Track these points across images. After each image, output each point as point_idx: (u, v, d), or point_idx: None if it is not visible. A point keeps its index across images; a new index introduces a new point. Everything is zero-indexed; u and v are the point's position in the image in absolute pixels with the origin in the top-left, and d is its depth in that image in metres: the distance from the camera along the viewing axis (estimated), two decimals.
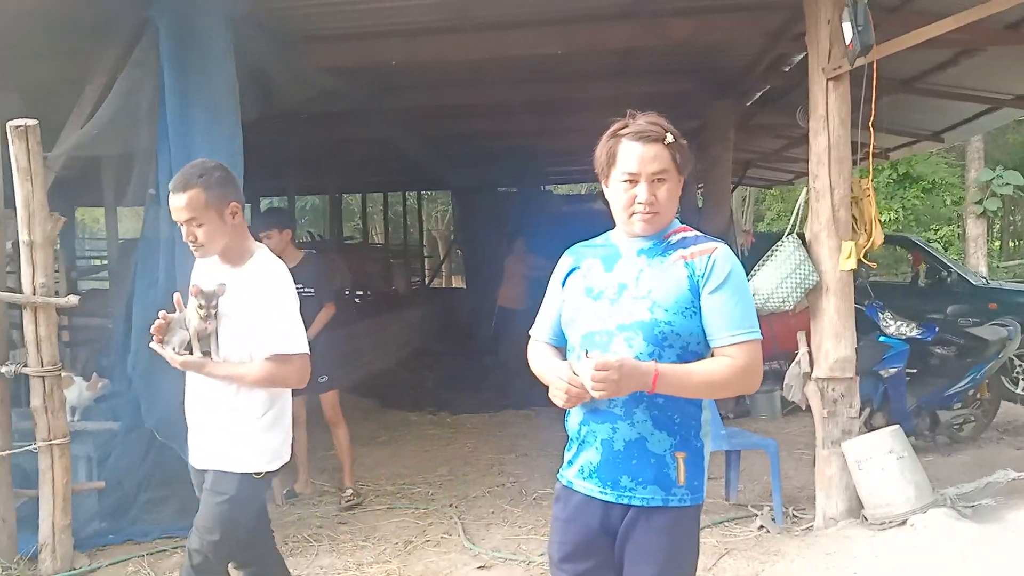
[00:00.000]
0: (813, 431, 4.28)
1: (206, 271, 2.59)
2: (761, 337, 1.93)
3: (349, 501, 4.74)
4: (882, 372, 5.41)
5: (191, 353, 2.50)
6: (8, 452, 3.76)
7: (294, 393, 4.91)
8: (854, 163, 4.20)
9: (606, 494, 1.94)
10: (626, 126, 1.95)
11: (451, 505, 4.77)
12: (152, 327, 2.50)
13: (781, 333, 5.63)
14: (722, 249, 1.95)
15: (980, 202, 14.28)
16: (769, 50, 5.84)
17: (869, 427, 5.06)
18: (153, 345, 2.53)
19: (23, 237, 3.69)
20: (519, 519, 4.50)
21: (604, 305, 1.95)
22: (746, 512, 4.42)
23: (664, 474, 1.91)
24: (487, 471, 5.54)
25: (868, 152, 4.07)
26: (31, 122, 3.64)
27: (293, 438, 5.08)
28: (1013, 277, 15.07)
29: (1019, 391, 7.18)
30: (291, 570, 3.75)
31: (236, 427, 2.53)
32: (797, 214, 4.44)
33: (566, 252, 2.13)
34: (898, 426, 4.18)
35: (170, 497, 4.39)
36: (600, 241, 2.09)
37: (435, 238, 23.38)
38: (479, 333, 10.61)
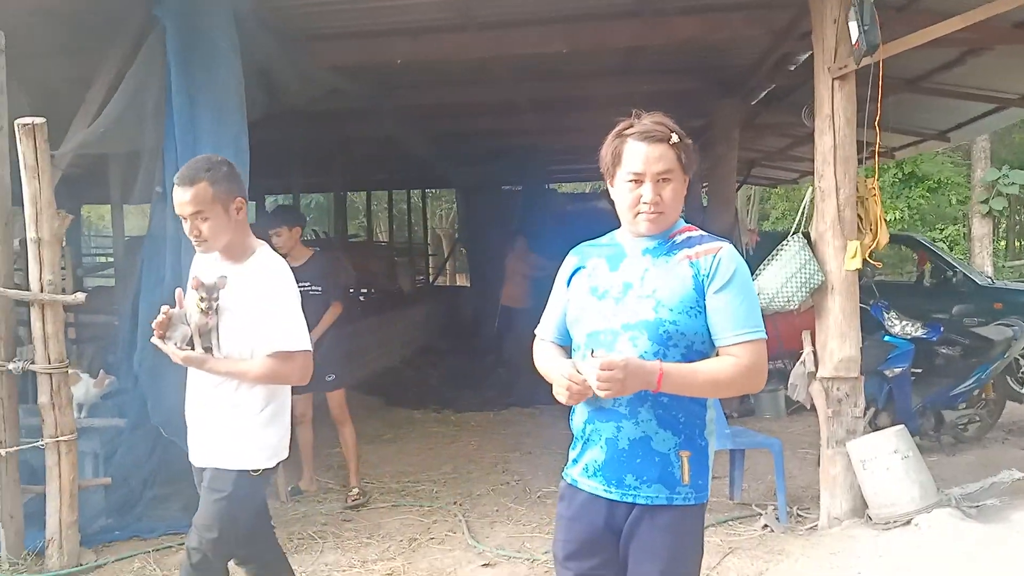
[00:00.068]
0: (817, 430, 4.28)
1: (206, 267, 2.58)
2: (766, 336, 1.93)
3: (355, 500, 4.75)
4: (887, 372, 5.40)
5: (192, 349, 2.49)
6: (16, 448, 3.78)
7: (300, 391, 4.96)
8: (859, 162, 4.20)
9: (611, 492, 1.94)
10: (631, 126, 1.95)
11: (455, 503, 4.78)
12: (154, 323, 2.49)
13: (786, 332, 5.63)
14: (727, 248, 1.96)
15: (986, 201, 14.24)
16: (775, 49, 5.83)
17: (874, 427, 5.06)
18: (154, 340, 2.52)
19: (30, 234, 3.71)
20: (523, 517, 4.51)
21: (609, 304, 1.95)
22: (750, 511, 4.42)
23: (668, 473, 1.91)
24: (491, 469, 5.54)
25: (874, 151, 4.07)
26: (39, 120, 3.65)
27: (297, 435, 5.14)
28: (1019, 277, 15.03)
29: None
30: (296, 567, 3.77)
31: (236, 423, 2.52)
32: (802, 213, 4.44)
33: (571, 251, 2.13)
34: (903, 426, 4.18)
35: (176, 494, 4.40)
36: (605, 240, 2.10)
37: (439, 236, 23.40)
38: (483, 331, 10.62)
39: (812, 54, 4.28)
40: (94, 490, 4.15)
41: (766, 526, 4.17)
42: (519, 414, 7.21)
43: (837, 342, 4.11)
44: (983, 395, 5.80)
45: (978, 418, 5.81)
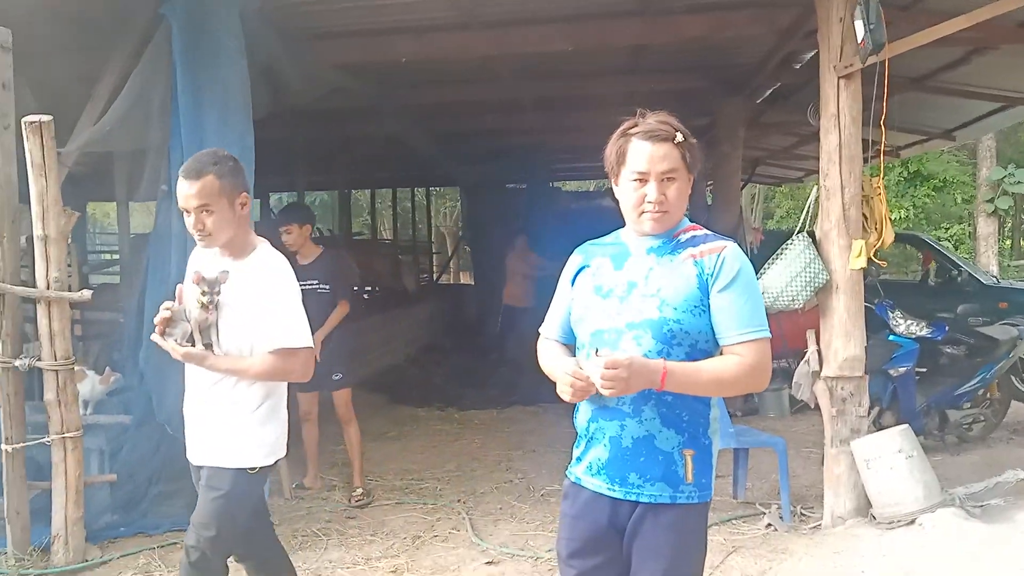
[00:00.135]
0: (822, 430, 4.27)
1: (206, 262, 2.56)
2: (770, 335, 1.93)
3: (359, 501, 4.75)
4: (891, 371, 5.40)
5: (193, 345, 2.47)
6: (22, 445, 3.79)
7: (306, 389, 4.98)
8: (865, 161, 4.19)
9: (614, 491, 1.95)
10: (636, 125, 1.96)
11: (459, 501, 4.79)
12: (156, 319, 2.47)
13: (790, 331, 5.62)
14: (731, 248, 1.96)
15: (991, 200, 14.20)
16: (780, 47, 5.82)
17: (878, 426, 5.06)
18: (154, 337, 2.49)
19: (37, 232, 3.72)
20: (527, 515, 4.51)
21: (613, 303, 1.96)
22: (754, 510, 4.43)
23: (672, 471, 1.92)
24: (495, 467, 5.55)
25: (879, 150, 4.06)
26: (45, 118, 3.67)
27: (302, 433, 5.15)
28: None
29: None
30: (300, 564, 3.79)
31: (234, 420, 2.51)
32: (807, 212, 4.44)
33: (576, 250, 2.14)
34: (907, 425, 4.17)
35: (181, 490, 4.41)
36: (610, 239, 2.10)
37: (443, 234, 23.41)
38: (487, 329, 10.63)
39: (817, 53, 4.28)
40: (99, 486, 4.17)
41: (769, 525, 4.17)
42: (523, 412, 7.22)
43: (842, 341, 4.11)
44: (988, 395, 5.79)
45: (983, 418, 5.80)
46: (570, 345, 2.11)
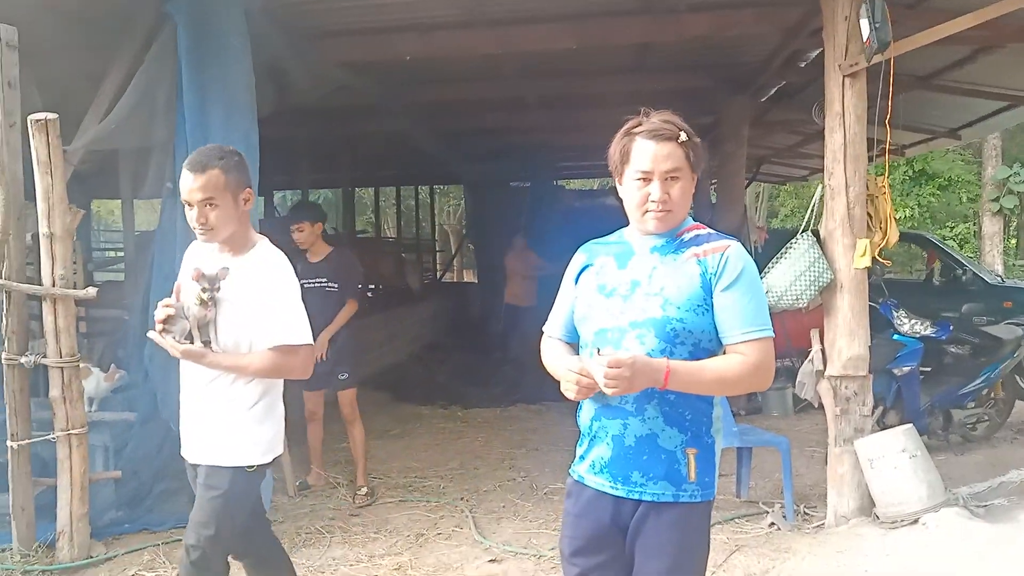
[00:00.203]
0: (825, 429, 4.27)
1: (205, 258, 2.54)
2: (773, 334, 1.93)
3: (362, 502, 4.75)
4: (896, 370, 5.39)
5: (191, 343, 2.45)
6: (27, 441, 3.80)
7: (312, 388, 4.98)
8: (870, 160, 4.18)
9: (617, 489, 1.95)
10: (640, 124, 1.96)
11: (462, 499, 4.80)
12: (158, 316, 2.44)
13: (794, 330, 5.62)
14: (735, 247, 1.96)
15: (996, 199, 14.17)
16: (785, 46, 5.81)
17: (882, 425, 5.05)
18: (152, 335, 2.47)
19: (43, 229, 3.73)
20: (530, 513, 4.52)
21: (617, 302, 1.96)
22: (757, 509, 4.42)
23: (675, 470, 1.92)
24: (498, 465, 5.56)
25: (884, 149, 4.05)
26: (51, 116, 3.67)
27: (307, 431, 5.15)
28: None
29: None
30: (304, 561, 3.81)
31: (231, 418, 2.50)
32: (812, 211, 4.42)
33: (579, 249, 2.14)
34: (911, 425, 4.17)
35: (185, 487, 4.37)
36: (613, 238, 2.10)
37: (447, 232, 23.41)
38: (491, 328, 10.64)
39: (823, 51, 4.27)
40: (104, 483, 4.18)
41: (773, 524, 4.17)
42: (526, 411, 7.23)
43: (846, 340, 4.10)
44: (992, 394, 5.78)
45: (987, 417, 5.79)
46: (574, 344, 2.11)
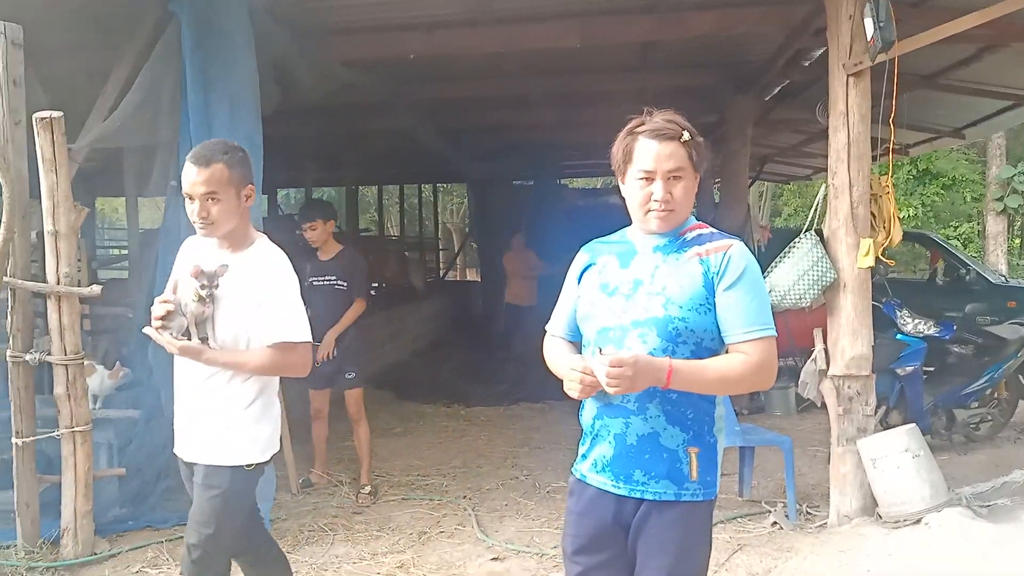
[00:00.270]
0: (828, 428, 4.27)
1: (202, 254, 2.52)
2: (776, 334, 1.93)
3: (365, 503, 4.74)
4: (899, 370, 5.38)
5: (189, 339, 2.43)
6: (32, 438, 3.82)
7: (319, 387, 4.99)
8: (873, 159, 4.18)
9: (619, 488, 1.95)
10: (643, 123, 1.96)
11: (465, 497, 4.80)
12: (158, 313, 2.42)
13: (797, 330, 5.62)
14: (737, 246, 1.96)
15: (1001, 199, 14.13)
16: (789, 45, 5.80)
17: (885, 425, 5.04)
18: (148, 330, 2.44)
19: (48, 227, 3.74)
20: (532, 512, 4.53)
21: (619, 301, 1.96)
22: (760, 508, 4.42)
23: (677, 469, 1.92)
24: (501, 464, 5.57)
25: (888, 148, 4.04)
26: (56, 114, 3.68)
27: (312, 430, 5.15)
28: None
29: None
30: (307, 559, 3.83)
31: (228, 417, 2.49)
32: (815, 210, 4.42)
33: (582, 248, 2.15)
34: (914, 424, 4.16)
35: None
36: (616, 238, 2.10)
37: (450, 231, 23.42)
38: (493, 326, 10.64)
39: (827, 50, 4.26)
40: (108, 480, 4.20)
41: (775, 523, 4.17)
42: (529, 409, 7.23)
43: (849, 340, 4.10)
44: (995, 394, 5.77)
45: (990, 417, 5.79)
46: (576, 343, 2.11)
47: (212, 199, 2.41)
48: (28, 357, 3.79)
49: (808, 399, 4.53)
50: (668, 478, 1.92)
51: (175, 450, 2.64)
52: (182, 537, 4.00)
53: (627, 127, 1.99)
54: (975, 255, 14.30)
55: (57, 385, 3.80)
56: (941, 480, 3.97)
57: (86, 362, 3.98)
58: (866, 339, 4.10)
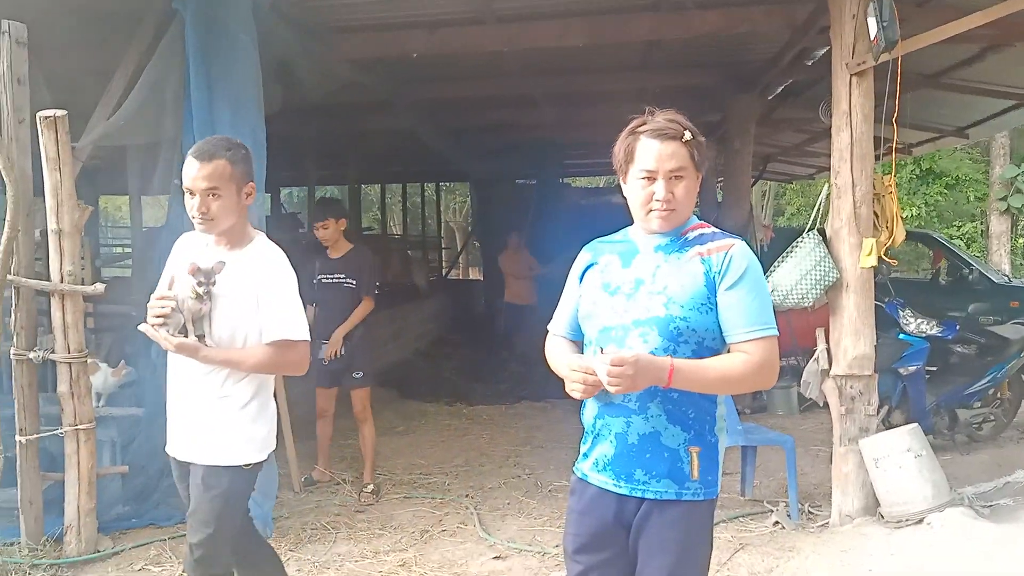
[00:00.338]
0: (830, 428, 4.27)
1: (198, 251, 2.51)
2: (778, 333, 1.93)
3: (369, 498, 4.76)
4: (901, 370, 5.38)
5: (186, 336, 2.41)
6: (35, 436, 3.83)
7: (326, 386, 4.99)
8: (876, 158, 4.17)
9: (620, 487, 1.96)
10: (644, 123, 1.96)
11: (467, 496, 4.81)
12: (157, 311, 2.39)
13: (800, 329, 5.61)
14: (739, 246, 1.96)
15: (1004, 199, 14.10)
16: (793, 44, 5.79)
17: (887, 425, 5.04)
18: (144, 327, 2.42)
19: (51, 225, 3.75)
20: (534, 510, 4.53)
21: (620, 300, 1.96)
22: (761, 508, 4.43)
23: (678, 468, 1.92)
24: (503, 462, 5.57)
25: (891, 148, 4.04)
26: (60, 113, 3.69)
27: (316, 429, 5.16)
28: None
29: None
30: (309, 557, 3.84)
31: (224, 416, 2.48)
32: (818, 210, 4.42)
33: (584, 248, 2.15)
34: (916, 424, 4.16)
35: None
36: (618, 237, 2.11)
37: (453, 229, 23.43)
38: (496, 325, 10.65)
39: (830, 49, 4.26)
40: (112, 478, 4.21)
41: (777, 523, 4.17)
42: (531, 408, 7.24)
43: (851, 339, 4.09)
44: (998, 394, 5.76)
45: (993, 417, 5.78)
46: (578, 342, 2.11)
47: (213, 195, 2.40)
48: (32, 355, 3.80)
49: (810, 398, 4.53)
50: (669, 477, 1.92)
51: (167, 449, 2.62)
52: (185, 535, 4.04)
53: (629, 127, 1.99)
54: (978, 255, 14.28)
55: (61, 383, 3.81)
56: (943, 480, 3.97)
57: (90, 360, 3.99)
58: (868, 339, 4.10)
